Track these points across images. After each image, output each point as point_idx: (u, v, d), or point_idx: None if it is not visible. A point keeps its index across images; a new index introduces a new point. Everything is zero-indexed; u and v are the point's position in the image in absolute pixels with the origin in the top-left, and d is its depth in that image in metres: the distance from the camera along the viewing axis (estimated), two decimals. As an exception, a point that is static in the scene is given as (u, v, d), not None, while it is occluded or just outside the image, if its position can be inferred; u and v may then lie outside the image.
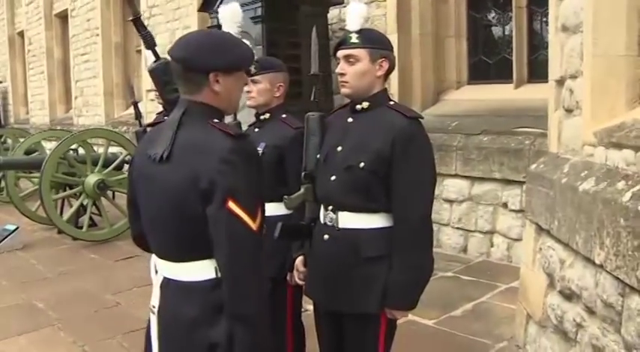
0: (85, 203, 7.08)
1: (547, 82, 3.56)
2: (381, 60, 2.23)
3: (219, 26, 6.66)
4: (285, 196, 2.42)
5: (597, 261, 2.41)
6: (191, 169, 1.68)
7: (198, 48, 1.76)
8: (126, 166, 7.22)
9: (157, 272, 1.86)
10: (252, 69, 2.65)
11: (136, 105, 3.67)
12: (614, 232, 2.27)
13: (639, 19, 2.65)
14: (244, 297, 1.66)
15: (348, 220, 2.23)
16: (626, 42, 2.66)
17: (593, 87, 2.75)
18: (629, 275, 2.15)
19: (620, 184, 2.36)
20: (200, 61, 1.73)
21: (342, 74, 2.23)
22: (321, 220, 2.34)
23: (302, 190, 2.40)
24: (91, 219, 7.14)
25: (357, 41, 2.21)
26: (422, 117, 2.27)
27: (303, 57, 5.68)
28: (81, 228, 6.97)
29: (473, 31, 6.59)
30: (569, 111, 3.11)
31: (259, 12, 6.11)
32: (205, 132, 1.72)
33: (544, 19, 5.74)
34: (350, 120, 2.30)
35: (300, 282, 2.51)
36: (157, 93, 3.32)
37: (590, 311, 2.53)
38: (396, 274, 2.16)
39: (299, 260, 2.51)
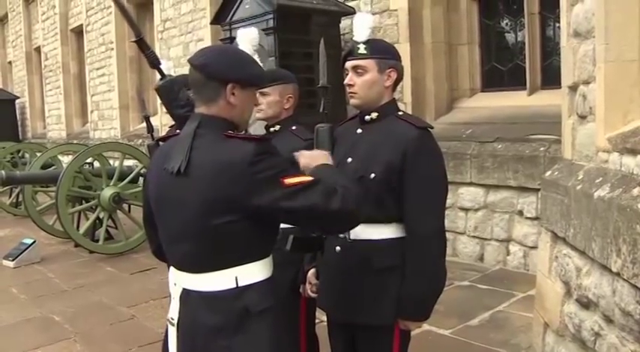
0: (101, 216, 7.13)
1: (561, 88, 3.53)
2: (389, 70, 2.22)
3: (232, 39, 6.72)
4: None
5: (614, 269, 2.37)
6: (215, 180, 1.69)
7: (219, 57, 1.82)
8: (141, 179, 7.27)
9: (175, 284, 1.87)
10: None
11: (147, 118, 3.70)
12: (630, 239, 2.24)
13: (651, 23, 2.63)
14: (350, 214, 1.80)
15: (360, 231, 2.18)
16: (639, 46, 2.63)
17: (606, 92, 2.72)
18: (647, 284, 2.12)
19: (636, 190, 2.32)
20: (220, 69, 1.77)
21: (351, 85, 2.23)
22: (333, 232, 2.32)
23: None
24: (107, 232, 7.20)
25: (364, 52, 2.20)
26: (432, 127, 2.26)
27: (316, 67, 5.68)
28: (97, 241, 7.02)
29: (485, 38, 6.58)
30: (582, 117, 3.08)
31: (271, 23, 6.12)
32: (223, 143, 1.74)
33: (557, 25, 5.69)
34: (359, 131, 2.30)
35: (313, 295, 2.49)
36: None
37: (609, 320, 2.49)
38: (408, 285, 2.15)
39: (311, 272, 2.49)
